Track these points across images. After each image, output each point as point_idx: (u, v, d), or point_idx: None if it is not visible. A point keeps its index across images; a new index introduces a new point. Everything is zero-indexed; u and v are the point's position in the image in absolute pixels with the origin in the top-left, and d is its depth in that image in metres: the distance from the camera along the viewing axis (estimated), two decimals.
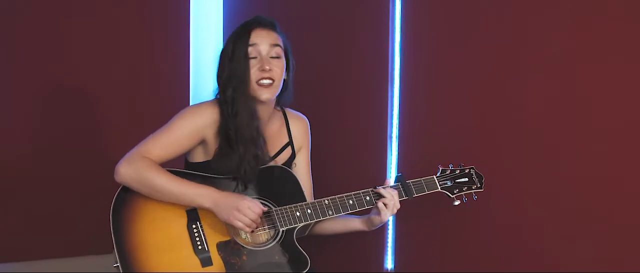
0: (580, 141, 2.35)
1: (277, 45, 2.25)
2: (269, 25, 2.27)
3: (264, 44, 2.23)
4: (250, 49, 2.21)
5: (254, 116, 2.23)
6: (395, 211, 2.26)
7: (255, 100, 2.23)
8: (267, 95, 2.23)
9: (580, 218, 2.36)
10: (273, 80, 2.23)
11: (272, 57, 2.24)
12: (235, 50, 2.22)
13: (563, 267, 2.39)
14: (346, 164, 2.94)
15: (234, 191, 2.21)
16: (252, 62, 2.21)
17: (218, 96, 2.29)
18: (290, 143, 2.40)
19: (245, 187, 2.23)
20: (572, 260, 2.37)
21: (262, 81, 2.22)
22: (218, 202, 2.12)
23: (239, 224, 2.11)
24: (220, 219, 2.13)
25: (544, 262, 2.44)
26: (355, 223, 2.35)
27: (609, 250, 2.30)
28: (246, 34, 2.22)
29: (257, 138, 2.23)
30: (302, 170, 2.40)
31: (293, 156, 2.41)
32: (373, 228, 2.32)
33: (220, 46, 3.33)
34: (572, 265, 2.37)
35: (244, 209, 2.10)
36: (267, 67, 2.21)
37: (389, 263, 2.85)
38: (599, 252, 2.33)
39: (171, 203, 2.14)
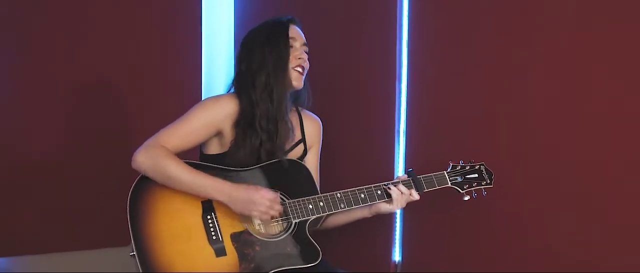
0: (588, 138, 2.38)
1: (306, 44, 2.38)
2: (300, 27, 2.39)
3: (299, 39, 2.36)
4: (289, 39, 2.32)
5: (286, 99, 2.32)
6: (405, 203, 2.32)
7: (290, 85, 2.32)
8: (299, 82, 2.34)
9: (586, 214, 2.40)
10: (304, 69, 2.35)
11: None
12: (273, 37, 2.31)
13: (567, 260, 2.43)
14: (355, 160, 2.96)
15: (248, 183, 2.23)
16: (290, 50, 2.32)
17: (232, 90, 2.35)
18: (302, 140, 2.44)
19: (260, 180, 2.26)
20: (577, 255, 2.41)
21: (297, 68, 2.33)
22: (232, 194, 2.15)
23: (255, 214, 2.15)
24: (236, 211, 2.16)
25: (549, 255, 2.47)
26: (358, 212, 2.40)
27: (619, 245, 2.35)
28: (284, 26, 2.33)
29: (285, 119, 2.31)
30: (310, 169, 2.41)
31: (304, 153, 2.45)
32: (374, 215, 2.38)
33: (232, 44, 3.38)
34: (577, 259, 2.41)
35: (259, 199, 2.14)
36: (305, 55, 2.34)
37: (397, 255, 2.87)
38: (604, 247, 2.36)
39: (187, 193, 2.17)
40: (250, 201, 2.14)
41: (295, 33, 2.35)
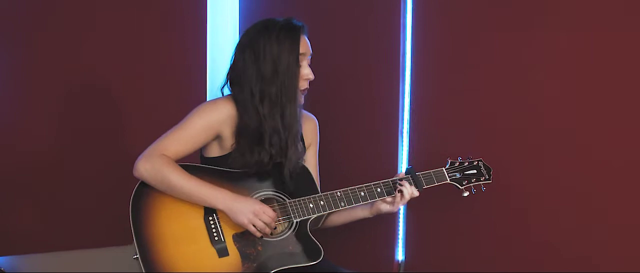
0: (590, 137, 2.39)
1: (311, 54, 2.33)
2: (307, 35, 2.32)
3: (307, 52, 2.30)
4: (300, 56, 2.26)
5: (298, 121, 2.30)
6: (404, 203, 2.31)
7: (299, 103, 2.30)
8: (301, 99, 2.31)
9: (589, 213, 2.40)
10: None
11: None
12: (285, 54, 2.22)
13: (570, 258, 2.44)
14: (359, 159, 2.97)
15: (250, 186, 2.26)
16: (299, 70, 2.27)
17: (227, 84, 2.34)
18: (301, 139, 2.43)
19: (261, 181, 2.28)
20: (580, 254, 2.42)
21: (303, 89, 2.30)
22: (231, 206, 2.16)
23: (253, 228, 2.16)
24: (235, 222, 2.18)
25: (552, 254, 2.48)
26: (360, 212, 2.40)
27: (622, 244, 2.35)
28: (296, 40, 2.25)
29: (296, 144, 2.30)
30: (310, 167, 2.42)
31: (303, 152, 2.43)
32: (375, 215, 2.38)
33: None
34: (580, 257, 2.42)
35: (260, 214, 2.16)
36: (311, 75, 2.30)
37: (400, 255, 2.89)
38: (608, 246, 2.36)
39: None
40: (252, 214, 2.16)
41: (305, 47, 2.28)
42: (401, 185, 2.30)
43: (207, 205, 2.20)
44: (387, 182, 2.33)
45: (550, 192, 2.48)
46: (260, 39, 2.24)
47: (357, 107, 2.99)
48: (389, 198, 2.31)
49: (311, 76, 2.30)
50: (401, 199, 2.30)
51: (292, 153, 2.29)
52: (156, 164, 2.16)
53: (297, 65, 2.25)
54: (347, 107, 3.01)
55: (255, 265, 2.17)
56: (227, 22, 3.40)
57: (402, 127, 2.85)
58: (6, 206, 2.94)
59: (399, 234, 2.88)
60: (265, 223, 2.16)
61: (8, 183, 2.93)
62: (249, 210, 2.16)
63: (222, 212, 2.19)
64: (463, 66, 2.69)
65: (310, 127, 2.48)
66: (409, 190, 2.30)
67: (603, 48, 2.34)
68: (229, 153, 2.28)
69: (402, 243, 2.88)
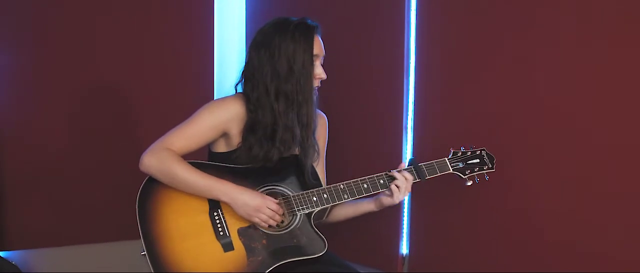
0: (595, 134, 2.39)
1: (324, 55, 2.36)
2: (320, 34, 2.34)
3: (320, 53, 2.32)
4: (313, 57, 2.29)
5: (314, 119, 2.34)
6: (406, 194, 2.32)
7: (315, 102, 2.33)
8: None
9: (589, 209, 2.41)
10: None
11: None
12: (300, 53, 2.25)
13: (573, 253, 2.44)
14: (364, 152, 2.99)
15: (254, 181, 2.27)
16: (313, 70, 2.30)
17: (241, 83, 2.35)
18: None
19: (265, 176, 2.30)
20: (584, 249, 2.42)
21: (315, 87, 2.33)
22: (236, 198, 2.19)
23: (256, 220, 2.19)
24: (239, 214, 2.21)
25: (557, 249, 2.48)
26: (365, 206, 2.42)
27: (624, 233, 2.36)
28: (311, 39, 2.27)
29: (314, 137, 2.36)
30: (318, 164, 2.44)
31: (317, 149, 2.44)
32: (381, 208, 2.39)
33: (244, 43, 3.41)
34: (584, 252, 2.42)
35: (262, 207, 2.18)
36: (323, 75, 2.33)
37: (404, 248, 2.90)
38: (607, 238, 2.37)
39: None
40: (254, 208, 2.19)
41: (319, 48, 2.31)
42: (395, 177, 2.31)
43: (211, 197, 2.22)
44: (389, 173, 2.33)
45: (555, 187, 2.49)
46: (276, 37, 2.26)
47: (362, 101, 3.01)
48: (388, 191, 2.33)
49: (323, 76, 2.33)
50: (399, 191, 2.30)
51: (310, 150, 2.33)
52: (161, 157, 2.19)
53: (312, 64, 2.27)
54: (352, 101, 3.02)
55: (260, 258, 2.19)
56: (234, 22, 3.42)
57: (407, 121, 2.87)
58: (19, 202, 2.99)
59: (403, 229, 2.89)
60: (268, 215, 2.19)
61: (20, 180, 2.98)
62: (252, 202, 2.18)
63: (225, 204, 2.22)
64: (467, 61, 2.70)
65: (319, 124, 2.49)
66: (402, 181, 2.30)
67: (605, 47, 2.34)
68: (235, 150, 2.30)
69: (407, 238, 2.89)
